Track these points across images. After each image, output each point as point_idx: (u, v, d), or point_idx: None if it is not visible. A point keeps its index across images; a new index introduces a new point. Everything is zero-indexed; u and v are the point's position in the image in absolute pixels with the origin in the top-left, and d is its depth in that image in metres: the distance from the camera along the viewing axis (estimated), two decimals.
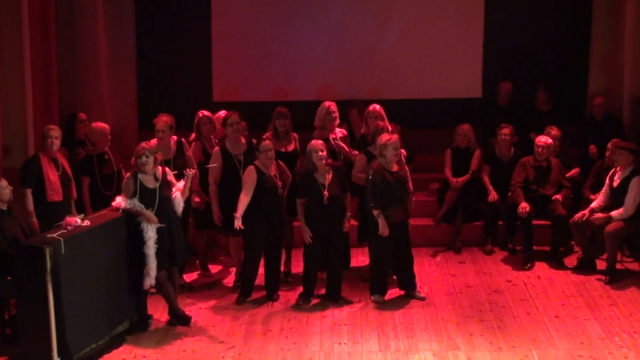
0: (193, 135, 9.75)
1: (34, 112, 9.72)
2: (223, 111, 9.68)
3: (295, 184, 9.06)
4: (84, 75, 11.57)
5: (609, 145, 10.18)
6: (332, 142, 9.46)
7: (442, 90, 12.36)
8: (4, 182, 7.96)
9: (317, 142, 8.81)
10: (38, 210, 8.61)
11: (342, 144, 9.63)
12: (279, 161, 9.03)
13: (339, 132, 9.79)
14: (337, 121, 9.82)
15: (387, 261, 9.07)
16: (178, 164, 9.01)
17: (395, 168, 8.82)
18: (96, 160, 9.39)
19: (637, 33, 11.29)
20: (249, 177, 8.74)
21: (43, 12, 10.11)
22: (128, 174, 8.28)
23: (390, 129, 9.28)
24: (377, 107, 9.74)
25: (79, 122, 10.14)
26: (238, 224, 8.52)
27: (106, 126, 9.57)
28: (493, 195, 10.37)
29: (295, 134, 9.61)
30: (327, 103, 9.75)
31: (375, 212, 8.80)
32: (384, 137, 8.81)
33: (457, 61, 12.36)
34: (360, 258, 10.16)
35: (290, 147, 9.48)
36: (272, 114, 9.51)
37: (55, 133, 8.76)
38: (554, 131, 10.49)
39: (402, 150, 9.13)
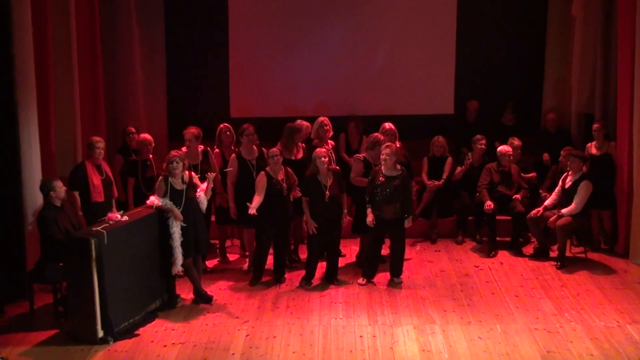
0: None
1: (82, 126, 9.74)
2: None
3: (301, 185, 9.02)
4: (123, 95, 11.58)
5: (562, 152, 10.22)
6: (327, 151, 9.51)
7: (420, 107, 12.34)
8: (60, 183, 8.00)
9: (321, 150, 8.85)
10: (84, 209, 8.63)
11: (334, 155, 9.70)
12: (287, 167, 9.03)
13: (330, 142, 9.84)
14: (331, 133, 9.83)
15: (374, 249, 9.06)
16: (203, 169, 9.04)
17: (394, 173, 8.78)
18: (140, 165, 9.40)
19: (583, 60, 11.29)
20: (260, 181, 8.76)
21: (90, 43, 10.15)
22: (160, 177, 8.30)
23: (398, 144, 9.32)
24: (392, 125, 9.75)
25: (127, 134, 10.12)
26: (252, 211, 8.54)
27: (149, 137, 9.58)
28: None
29: (302, 144, 9.62)
30: (320, 118, 9.80)
31: (366, 205, 8.86)
32: (382, 147, 8.84)
33: (432, 83, 12.32)
34: (352, 247, 10.15)
35: (299, 155, 9.49)
36: (285, 128, 9.49)
37: (101, 145, 8.80)
38: (516, 141, 10.51)
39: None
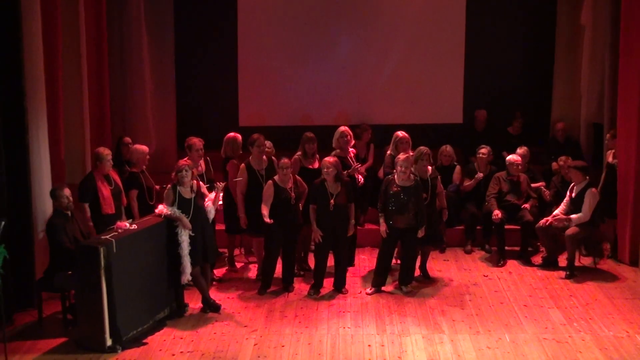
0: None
1: (91, 134, 9.78)
2: None
3: (309, 192, 9.00)
4: (132, 105, 11.63)
5: (561, 162, 10.24)
6: (349, 161, 9.44)
7: (429, 116, 12.36)
8: (65, 191, 7.99)
9: (327, 160, 8.79)
10: (95, 221, 8.56)
11: (355, 163, 9.54)
12: (297, 176, 9.02)
13: (351, 151, 9.75)
14: (352, 142, 9.75)
15: (386, 260, 9.03)
16: (210, 178, 9.03)
17: (408, 183, 8.74)
18: (142, 177, 9.38)
19: (592, 70, 11.32)
20: (267, 191, 8.75)
21: (98, 55, 10.22)
22: (169, 185, 8.30)
23: (410, 152, 9.28)
24: (405, 133, 9.72)
25: (123, 145, 10.08)
26: (267, 220, 8.59)
27: (145, 148, 9.49)
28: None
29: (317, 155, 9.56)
30: (341, 128, 9.66)
31: (379, 215, 8.83)
32: (400, 157, 8.82)
33: (442, 93, 12.38)
34: (360, 256, 10.11)
35: (316, 165, 9.44)
36: (302, 138, 9.49)
37: (110, 156, 8.73)
38: (520, 150, 10.47)
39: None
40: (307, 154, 9.44)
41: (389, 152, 9.88)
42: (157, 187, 9.32)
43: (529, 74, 12.44)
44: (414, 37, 12.31)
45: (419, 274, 9.36)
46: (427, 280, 9.36)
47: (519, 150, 10.43)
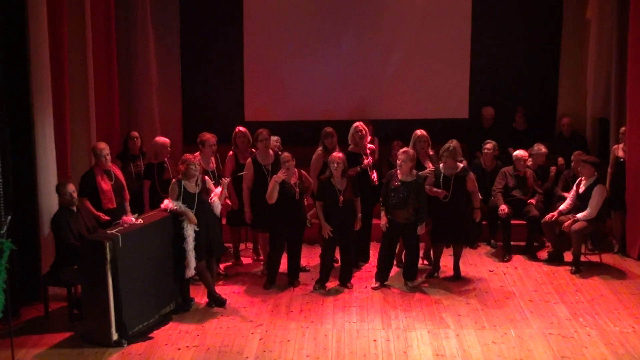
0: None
1: (97, 130, 9.79)
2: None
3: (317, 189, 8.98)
4: (138, 101, 11.63)
5: (573, 157, 10.21)
6: (364, 160, 9.34)
7: (434, 111, 12.33)
8: (69, 187, 8.00)
9: (335, 155, 8.78)
10: (96, 216, 8.57)
11: (368, 161, 9.40)
12: (301, 171, 9.01)
13: (369, 147, 9.64)
14: (368, 138, 9.65)
15: (387, 253, 9.01)
16: (220, 174, 9.08)
17: (409, 178, 8.73)
18: (156, 168, 9.40)
19: (598, 64, 11.26)
20: (270, 185, 8.75)
21: (106, 48, 10.26)
22: (174, 180, 8.31)
23: (431, 151, 9.34)
24: (425, 132, 9.62)
25: (130, 139, 10.12)
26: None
27: (167, 140, 9.61)
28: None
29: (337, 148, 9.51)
30: (355, 124, 9.56)
31: (380, 208, 8.84)
32: (399, 152, 8.82)
33: (447, 87, 12.32)
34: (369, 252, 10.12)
35: None
36: (322, 133, 9.49)
37: (106, 151, 8.73)
38: (543, 149, 10.44)
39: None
40: (328, 148, 9.41)
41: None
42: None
43: (535, 68, 12.39)
44: (420, 32, 12.27)
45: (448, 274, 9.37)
46: (458, 280, 9.27)
47: (541, 149, 10.38)
